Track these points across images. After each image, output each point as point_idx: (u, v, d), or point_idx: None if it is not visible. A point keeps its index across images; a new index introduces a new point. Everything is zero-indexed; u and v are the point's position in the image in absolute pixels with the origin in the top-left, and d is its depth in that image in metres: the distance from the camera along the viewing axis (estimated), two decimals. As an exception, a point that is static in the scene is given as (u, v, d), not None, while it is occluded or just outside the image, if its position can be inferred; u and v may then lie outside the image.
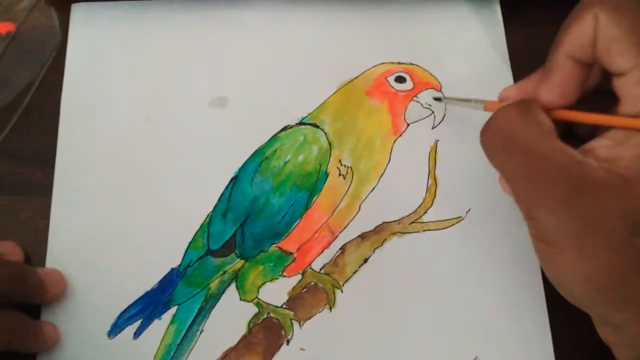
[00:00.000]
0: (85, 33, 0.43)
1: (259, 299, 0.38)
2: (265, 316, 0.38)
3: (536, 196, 0.28)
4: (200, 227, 0.39)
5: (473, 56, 0.43)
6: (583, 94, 0.31)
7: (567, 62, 0.30)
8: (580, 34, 0.29)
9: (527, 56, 0.43)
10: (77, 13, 0.43)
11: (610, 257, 0.27)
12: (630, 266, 0.27)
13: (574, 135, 0.34)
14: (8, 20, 0.39)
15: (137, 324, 0.37)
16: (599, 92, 0.32)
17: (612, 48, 0.28)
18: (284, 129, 0.41)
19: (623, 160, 0.28)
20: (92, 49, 0.43)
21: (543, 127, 0.29)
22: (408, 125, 0.41)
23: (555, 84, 0.30)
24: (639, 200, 0.27)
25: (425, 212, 0.40)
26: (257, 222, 0.39)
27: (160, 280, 0.38)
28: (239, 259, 0.38)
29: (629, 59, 0.28)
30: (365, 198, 0.40)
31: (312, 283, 0.38)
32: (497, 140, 0.31)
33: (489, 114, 0.32)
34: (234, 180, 0.40)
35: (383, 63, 0.43)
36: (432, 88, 0.42)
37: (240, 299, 0.38)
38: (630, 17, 0.28)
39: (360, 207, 0.40)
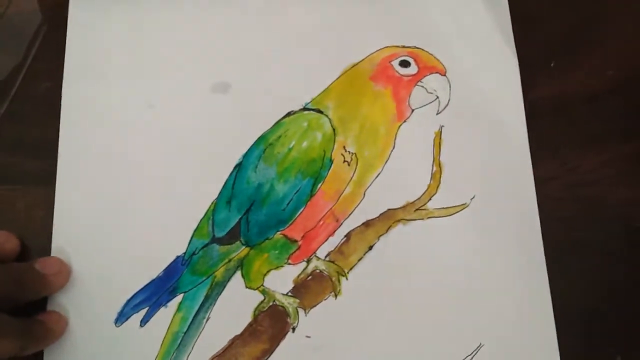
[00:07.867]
0: (85, 18, 0.42)
1: (264, 286, 0.38)
2: (270, 304, 0.38)
3: None
4: (205, 214, 0.39)
5: (478, 39, 0.43)
6: None
7: None
8: None
9: (532, 39, 0.43)
10: (75, -3, 0.42)
11: None
12: None
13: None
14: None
15: (144, 312, 0.38)
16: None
17: None
18: (288, 114, 0.41)
19: None
20: (92, 34, 0.42)
21: None
22: (412, 111, 0.41)
23: None
24: None
25: (430, 199, 0.40)
26: (262, 209, 0.39)
27: (166, 268, 0.38)
28: (244, 247, 0.38)
29: None
30: (370, 185, 0.40)
31: (318, 271, 0.39)
32: None
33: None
34: (238, 167, 0.40)
35: (387, 47, 0.42)
36: (437, 72, 0.41)
37: (246, 287, 0.38)
38: None
39: (364, 194, 0.40)
